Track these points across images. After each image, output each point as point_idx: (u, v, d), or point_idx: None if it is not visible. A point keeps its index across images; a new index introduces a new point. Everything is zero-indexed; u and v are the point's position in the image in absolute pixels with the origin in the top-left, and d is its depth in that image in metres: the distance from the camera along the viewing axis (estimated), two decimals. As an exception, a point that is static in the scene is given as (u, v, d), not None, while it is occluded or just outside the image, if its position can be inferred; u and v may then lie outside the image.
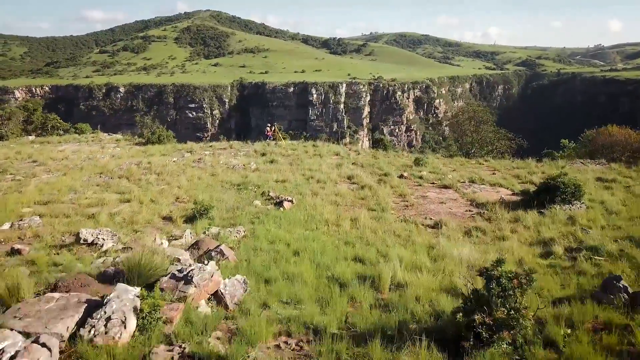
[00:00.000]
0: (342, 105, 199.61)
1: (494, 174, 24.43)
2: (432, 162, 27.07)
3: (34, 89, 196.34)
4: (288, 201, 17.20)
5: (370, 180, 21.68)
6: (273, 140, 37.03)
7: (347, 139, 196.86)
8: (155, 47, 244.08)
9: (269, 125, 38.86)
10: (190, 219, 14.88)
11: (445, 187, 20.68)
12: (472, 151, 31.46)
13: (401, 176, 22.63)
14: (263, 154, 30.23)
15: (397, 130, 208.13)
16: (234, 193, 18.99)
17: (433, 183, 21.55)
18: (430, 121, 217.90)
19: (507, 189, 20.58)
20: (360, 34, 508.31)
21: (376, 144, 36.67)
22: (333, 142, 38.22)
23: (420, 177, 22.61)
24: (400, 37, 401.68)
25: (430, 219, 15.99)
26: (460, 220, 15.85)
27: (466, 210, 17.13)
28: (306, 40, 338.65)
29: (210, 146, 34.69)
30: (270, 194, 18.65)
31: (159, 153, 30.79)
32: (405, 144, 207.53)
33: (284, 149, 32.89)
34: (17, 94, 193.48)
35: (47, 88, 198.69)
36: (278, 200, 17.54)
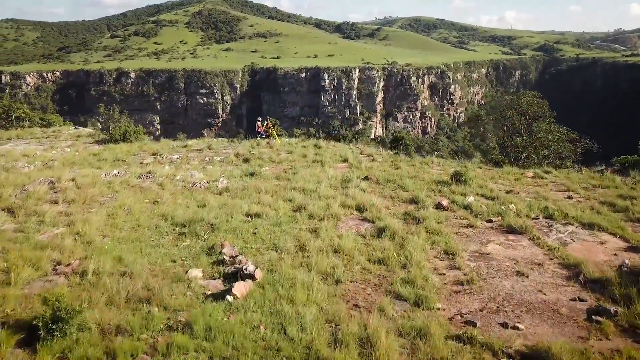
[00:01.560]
0: (355, 91, 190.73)
1: (570, 197, 16.28)
2: (476, 176, 18.97)
3: (45, 74, 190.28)
4: (247, 276, 9.38)
5: (392, 215, 13.70)
6: (265, 137, 29.22)
7: (360, 126, 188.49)
8: (167, 32, 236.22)
9: (260, 119, 30.94)
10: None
11: (513, 231, 12.62)
12: (523, 157, 23.19)
13: (439, 205, 14.61)
14: (246, 160, 22.39)
15: (411, 117, 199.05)
16: (166, 247, 11.21)
17: (490, 220, 13.50)
18: (446, 107, 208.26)
19: (616, 235, 12.46)
20: (374, 18, 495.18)
21: (395, 143, 28.72)
22: (341, 139, 30.34)
23: (468, 207, 14.57)
24: (415, 21, 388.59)
25: (516, 326, 8.07)
26: (575, 332, 7.91)
27: (572, 299, 9.15)
28: (319, 24, 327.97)
29: (185, 146, 26.91)
30: (224, 250, 10.79)
31: (113, 157, 23.17)
32: (420, 131, 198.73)
33: (276, 151, 25.00)
34: (29, 79, 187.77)
35: (58, 73, 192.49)
36: (233, 269, 9.75)
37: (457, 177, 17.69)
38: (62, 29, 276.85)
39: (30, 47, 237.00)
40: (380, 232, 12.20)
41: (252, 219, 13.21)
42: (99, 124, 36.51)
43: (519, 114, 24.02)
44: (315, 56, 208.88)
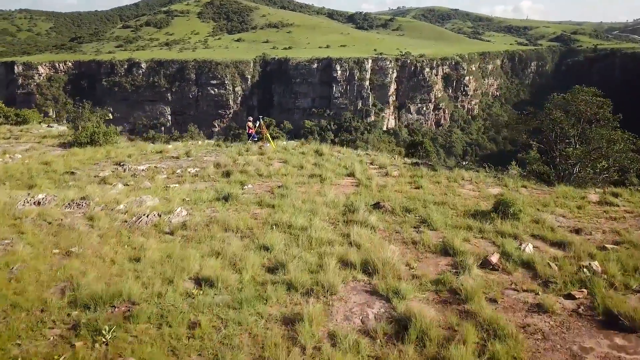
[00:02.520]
0: (367, 82, 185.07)
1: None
2: (524, 202, 13.98)
3: (57, 64, 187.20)
4: None
5: (417, 286, 8.77)
6: (258, 140, 24.44)
7: (372, 117, 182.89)
8: (178, 22, 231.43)
9: (251, 119, 26.00)
10: None
11: (616, 323, 7.62)
12: (576, 171, 18.05)
13: (486, 263, 9.69)
14: (226, 174, 17.59)
15: (424, 109, 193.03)
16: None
17: (571, 296, 8.50)
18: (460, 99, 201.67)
19: None
20: (387, 8, 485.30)
21: (413, 148, 23.73)
22: (348, 143, 25.56)
23: (528, 265, 9.65)
24: (429, 11, 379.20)
25: None
26: None
27: None
28: (331, 14, 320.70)
29: (160, 152, 22.21)
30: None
31: (65, 168, 18.57)
32: (433, 123, 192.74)
33: (268, 159, 20.20)
34: (41, 69, 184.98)
35: (70, 64, 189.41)
36: None
37: (501, 208, 12.68)
38: (75, 20, 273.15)
39: (43, 38, 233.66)
40: (400, 328, 7.31)
41: (200, 289, 8.42)
42: (68, 122, 31.40)
43: (572, 116, 18.85)
44: (328, 47, 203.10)
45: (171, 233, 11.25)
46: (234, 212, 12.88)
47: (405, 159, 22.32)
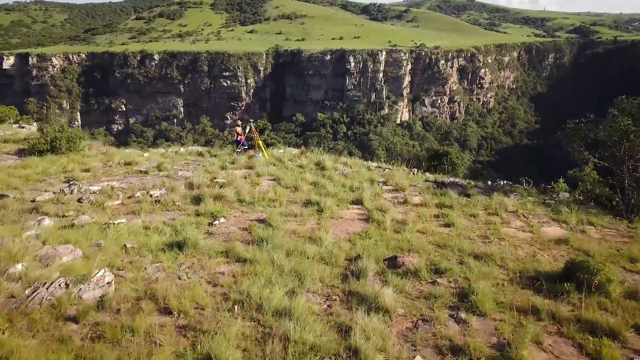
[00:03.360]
0: (381, 74, 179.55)
1: None
2: (603, 255, 9.68)
3: (70, 56, 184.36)
4: None
5: None
6: (249, 149, 20.34)
7: (386, 110, 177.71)
8: (191, 14, 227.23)
9: (240, 123, 21.77)
10: None
11: None
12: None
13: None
14: (197, 200, 13.51)
15: (439, 101, 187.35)
16: None
17: None
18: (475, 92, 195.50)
19: None
20: None
21: (436, 160, 19.28)
22: (356, 152, 21.32)
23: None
24: (444, 2, 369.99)
25: None
26: None
27: None
28: (345, 5, 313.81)
29: (128, 164, 18.14)
30: None
31: (2, 186, 14.66)
32: (448, 116, 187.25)
33: (257, 176, 16.04)
34: (55, 61, 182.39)
35: (83, 55, 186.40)
36: None
37: (576, 274, 8.41)
38: (89, 11, 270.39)
39: (57, 29, 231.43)
40: None
41: None
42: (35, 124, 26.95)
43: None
44: (341, 38, 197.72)
45: (76, 320, 7.20)
46: (187, 271, 8.82)
47: (427, 174, 17.99)
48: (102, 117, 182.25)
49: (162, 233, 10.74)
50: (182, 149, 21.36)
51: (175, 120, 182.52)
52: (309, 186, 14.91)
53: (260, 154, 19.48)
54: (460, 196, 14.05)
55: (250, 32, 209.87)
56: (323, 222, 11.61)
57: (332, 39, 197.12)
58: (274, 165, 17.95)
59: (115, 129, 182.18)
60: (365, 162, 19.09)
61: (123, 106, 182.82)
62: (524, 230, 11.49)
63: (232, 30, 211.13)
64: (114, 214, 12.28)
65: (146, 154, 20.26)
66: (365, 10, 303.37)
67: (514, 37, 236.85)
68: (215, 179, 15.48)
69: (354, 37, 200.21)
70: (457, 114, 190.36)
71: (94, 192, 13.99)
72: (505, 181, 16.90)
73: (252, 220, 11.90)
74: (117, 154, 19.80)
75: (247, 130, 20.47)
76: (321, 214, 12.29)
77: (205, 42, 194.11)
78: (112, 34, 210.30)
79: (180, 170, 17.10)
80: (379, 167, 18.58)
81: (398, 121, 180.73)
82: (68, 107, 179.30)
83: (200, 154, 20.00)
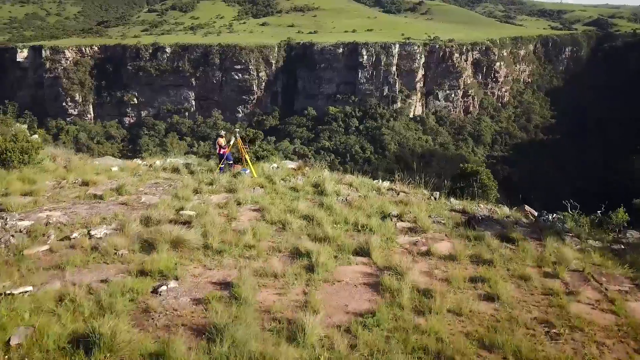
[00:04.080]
0: (394, 68, 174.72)
1: None
2: None
3: (83, 48, 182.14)
4: None
5: None
6: (235, 163, 16.80)
7: (398, 104, 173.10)
8: (204, 6, 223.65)
9: (223, 133, 18.03)
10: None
11: None
12: None
13: None
14: (148, 246, 10.06)
15: (452, 95, 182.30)
16: None
17: None
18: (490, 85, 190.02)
19: None
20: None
21: (462, 180, 15.29)
22: (365, 167, 17.65)
23: None
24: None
25: None
26: None
27: None
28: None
29: (86, 184, 14.77)
30: None
31: None
32: (462, 110, 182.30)
33: (233, 207, 12.52)
34: (68, 53, 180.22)
35: (96, 48, 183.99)
36: None
37: None
38: (103, 3, 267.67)
39: (71, 22, 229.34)
40: None
41: None
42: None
43: None
44: (354, 31, 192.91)
45: None
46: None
47: (452, 199, 14.29)
48: (115, 110, 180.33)
49: (78, 312, 7.26)
50: (158, 162, 17.89)
51: (186, 114, 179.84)
52: (300, 222, 11.36)
53: (248, 171, 16.01)
54: (500, 241, 10.36)
55: (263, 24, 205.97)
56: (313, 291, 8.07)
57: (345, 31, 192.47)
58: (262, 188, 14.43)
59: (127, 122, 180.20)
60: (375, 182, 15.46)
61: (135, 99, 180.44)
62: (602, 309, 7.84)
63: (244, 23, 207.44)
64: (29, 269, 8.84)
65: (115, 168, 16.82)
66: (378, 2, 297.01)
67: (530, 29, 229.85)
68: (182, 209, 11.97)
69: (367, 30, 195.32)
70: (471, 108, 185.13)
71: (20, 230, 10.57)
72: (554, 215, 13.07)
73: (214, 283, 8.42)
74: (79, 167, 16.37)
75: (232, 142, 16.99)
76: (312, 273, 8.74)
77: (217, 35, 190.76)
78: (125, 26, 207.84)
79: (145, 194, 13.67)
80: (392, 189, 14.95)
81: (411, 115, 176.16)
82: (81, 100, 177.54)
83: (177, 171, 16.52)
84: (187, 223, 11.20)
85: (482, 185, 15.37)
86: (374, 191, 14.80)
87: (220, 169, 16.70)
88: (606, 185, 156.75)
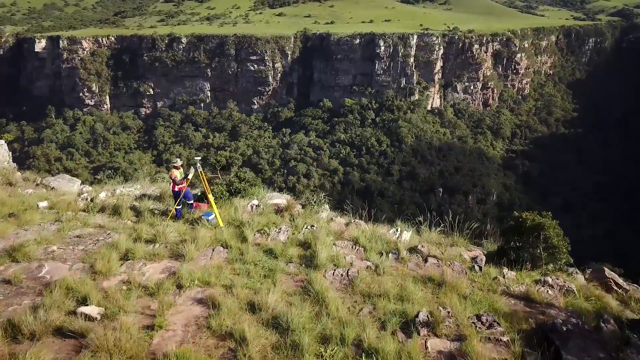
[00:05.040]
0: (411, 59, 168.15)
1: None
2: None
3: (100, 39, 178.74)
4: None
5: None
6: (196, 204, 11.98)
7: (416, 96, 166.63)
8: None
9: (177, 162, 13.06)
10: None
11: None
12: None
13: None
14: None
15: (471, 88, 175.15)
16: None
17: None
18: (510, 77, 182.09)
19: None
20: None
21: (518, 236, 10.83)
22: (377, 211, 12.41)
23: None
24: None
25: None
26: None
27: None
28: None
29: None
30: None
31: None
32: (481, 103, 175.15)
33: (173, 289, 7.69)
34: (85, 44, 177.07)
35: (112, 38, 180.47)
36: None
37: None
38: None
39: (89, 12, 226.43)
40: None
41: None
42: None
43: None
44: (371, 21, 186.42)
45: None
46: None
47: (506, 270, 9.27)
48: (131, 100, 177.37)
49: None
50: (102, 195, 13.16)
51: (202, 105, 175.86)
52: (265, 336, 6.49)
53: (213, 216, 11.30)
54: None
55: (279, 15, 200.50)
56: None
57: (362, 22, 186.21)
58: (226, 249, 9.59)
59: (143, 113, 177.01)
60: (392, 236, 10.52)
61: (151, 90, 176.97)
62: None
63: (260, 13, 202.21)
64: None
65: (44, 204, 12.15)
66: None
67: (552, 20, 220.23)
68: (87, 299, 7.23)
69: (385, 21, 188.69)
70: (491, 100, 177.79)
71: None
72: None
73: None
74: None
75: (190, 175, 12.29)
76: None
77: (233, 25, 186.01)
78: (142, 16, 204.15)
79: (54, 259, 9.08)
80: (416, 249, 9.98)
81: (428, 108, 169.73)
82: (97, 91, 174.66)
83: (117, 212, 11.77)
84: (80, 336, 6.50)
85: (550, 247, 10.38)
86: (391, 253, 10.03)
87: (177, 212, 12.14)
88: (627, 180, 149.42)
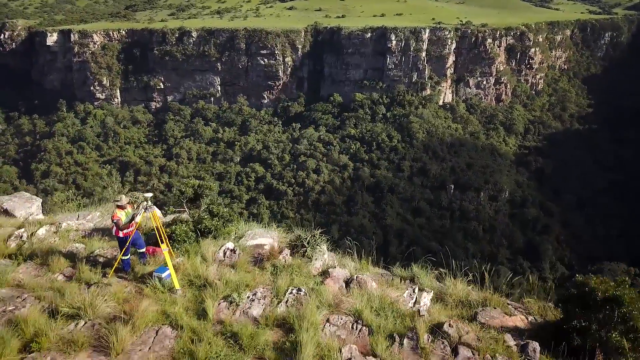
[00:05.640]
0: (423, 54, 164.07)
1: None
2: None
3: (111, 32, 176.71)
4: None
5: None
6: (150, 250, 8.98)
7: (428, 91, 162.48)
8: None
9: (122, 199, 9.92)
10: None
11: None
12: None
13: None
14: None
15: (484, 82, 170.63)
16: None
17: None
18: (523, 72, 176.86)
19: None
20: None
21: (582, 306, 7.99)
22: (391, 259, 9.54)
23: None
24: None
25: None
26: None
27: None
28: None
29: None
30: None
31: None
32: (494, 98, 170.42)
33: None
34: (95, 37, 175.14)
35: (123, 32, 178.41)
36: None
37: None
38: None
39: (100, 6, 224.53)
40: None
41: None
42: None
43: None
44: (383, 15, 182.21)
45: None
46: None
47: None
48: (141, 94, 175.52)
49: None
50: (41, 232, 10.25)
51: (212, 99, 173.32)
52: None
53: (168, 274, 8.40)
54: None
55: (290, 8, 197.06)
56: None
57: (374, 16, 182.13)
58: (176, 330, 6.61)
59: (153, 107, 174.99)
60: (407, 302, 7.52)
61: (161, 84, 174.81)
62: None
63: (271, 7, 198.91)
64: None
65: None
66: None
67: (567, 14, 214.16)
68: None
69: (396, 14, 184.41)
70: (503, 96, 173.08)
71: None
72: None
73: None
74: None
75: (138, 217, 9.33)
76: None
77: (243, 19, 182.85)
78: (153, 10, 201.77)
79: None
80: (444, 331, 6.93)
81: (440, 103, 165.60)
82: (108, 84, 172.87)
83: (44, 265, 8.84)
84: None
85: (628, 329, 7.02)
86: (406, 338, 7.08)
87: (124, 263, 9.22)
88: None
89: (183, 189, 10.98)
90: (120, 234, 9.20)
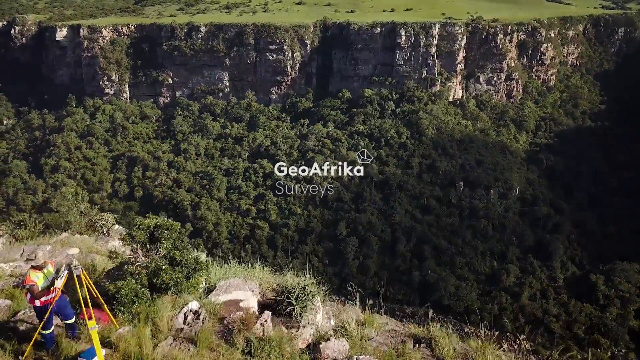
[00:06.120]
0: (433, 49, 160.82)
1: None
2: None
3: (120, 27, 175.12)
4: None
5: None
6: (76, 325, 6.66)
7: (437, 87, 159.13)
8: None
9: (39, 262, 7.47)
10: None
11: None
12: None
13: None
14: None
15: (495, 79, 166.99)
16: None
17: None
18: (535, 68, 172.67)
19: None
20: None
21: None
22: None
23: None
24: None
25: None
26: None
27: None
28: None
29: None
30: None
31: None
32: (504, 95, 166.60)
33: None
34: (104, 32, 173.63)
35: (132, 27, 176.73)
36: None
37: None
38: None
39: (110, 1, 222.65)
40: None
41: None
42: None
43: None
44: (392, 10, 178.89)
45: None
46: None
47: None
48: (150, 89, 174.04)
49: None
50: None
51: (220, 95, 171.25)
52: None
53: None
54: None
55: (298, 3, 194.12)
56: None
57: (383, 11, 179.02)
58: None
59: (161, 102, 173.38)
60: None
61: (170, 79, 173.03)
62: None
63: (279, 2, 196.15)
64: None
65: None
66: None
67: (580, 9, 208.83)
68: None
69: (406, 9, 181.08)
70: (514, 92, 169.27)
71: None
72: None
73: None
74: None
75: (59, 282, 6.99)
76: None
77: (252, 14, 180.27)
78: (162, 5, 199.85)
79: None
80: None
81: (450, 99, 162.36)
82: (117, 79, 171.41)
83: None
84: None
85: None
86: None
87: (46, 339, 6.97)
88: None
89: (134, 233, 8.51)
90: (37, 303, 6.89)
